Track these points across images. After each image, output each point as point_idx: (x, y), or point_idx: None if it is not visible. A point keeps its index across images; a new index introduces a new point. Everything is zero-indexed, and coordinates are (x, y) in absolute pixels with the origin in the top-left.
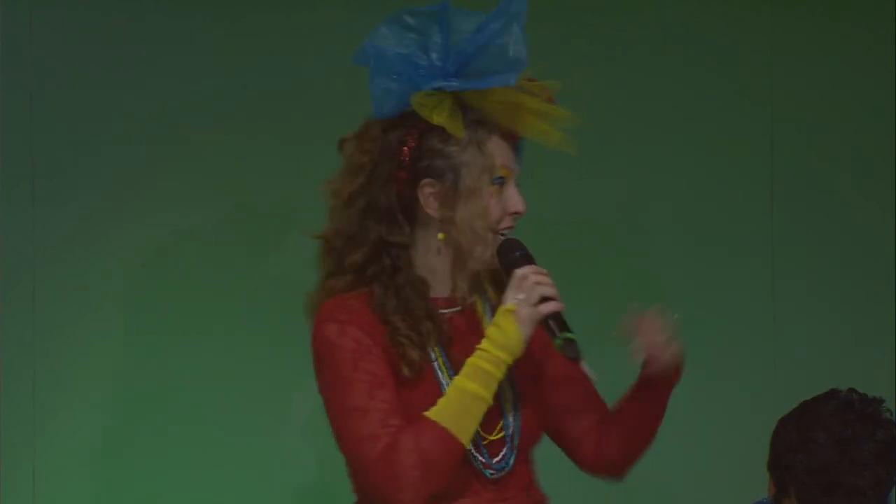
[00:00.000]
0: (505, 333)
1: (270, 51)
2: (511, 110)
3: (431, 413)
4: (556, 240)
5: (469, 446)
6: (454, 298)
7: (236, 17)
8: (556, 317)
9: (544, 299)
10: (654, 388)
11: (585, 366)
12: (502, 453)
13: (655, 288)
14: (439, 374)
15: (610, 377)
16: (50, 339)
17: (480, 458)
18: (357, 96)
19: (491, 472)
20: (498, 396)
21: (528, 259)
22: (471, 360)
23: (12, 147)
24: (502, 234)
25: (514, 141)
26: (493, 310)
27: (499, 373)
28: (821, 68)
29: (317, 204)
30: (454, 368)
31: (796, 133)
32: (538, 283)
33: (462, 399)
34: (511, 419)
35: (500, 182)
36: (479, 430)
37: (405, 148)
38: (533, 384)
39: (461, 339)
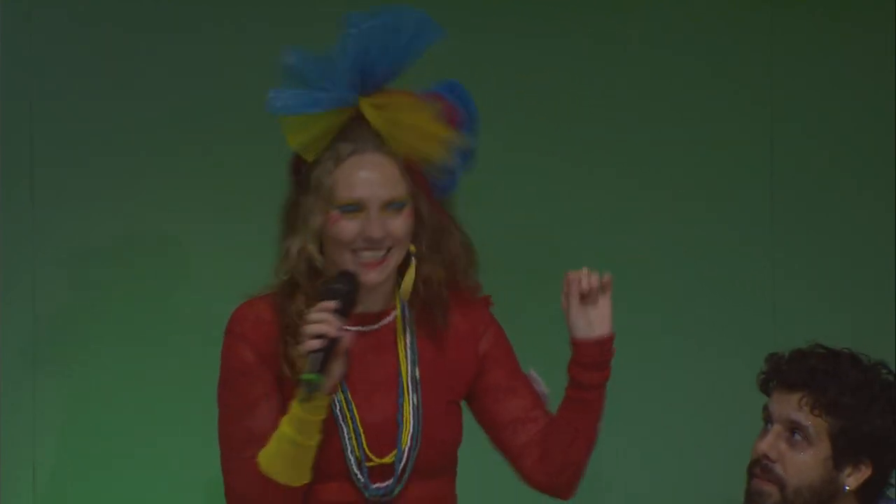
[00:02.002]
0: (295, 374)
1: (272, 55)
2: (406, 131)
3: (261, 455)
4: (553, 234)
5: (300, 482)
6: (367, 315)
7: (236, 17)
8: (317, 355)
9: (315, 336)
10: (583, 389)
11: (538, 378)
12: (388, 481)
13: (656, 285)
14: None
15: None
16: (50, 340)
17: (361, 478)
18: None
19: (370, 493)
20: (397, 426)
21: (331, 293)
22: (292, 404)
23: (12, 147)
24: (365, 259)
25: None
26: (416, 328)
27: (311, 416)
28: (821, 68)
29: None
30: (349, 384)
31: (796, 132)
32: (310, 321)
33: (282, 445)
34: (406, 447)
35: (354, 209)
36: (368, 452)
37: (300, 167)
38: (448, 407)
39: (367, 357)
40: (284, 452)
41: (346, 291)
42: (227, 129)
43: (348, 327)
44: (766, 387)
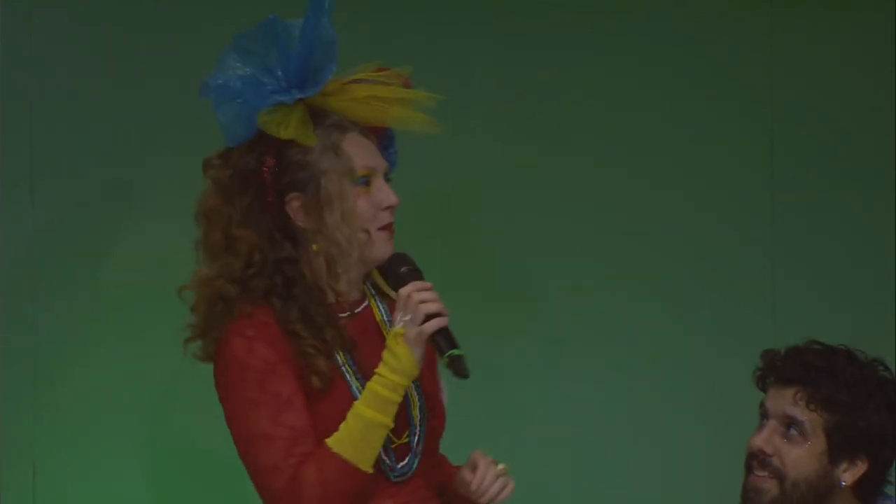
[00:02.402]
0: (397, 357)
1: None
2: (365, 104)
3: (333, 442)
4: (553, 234)
5: (372, 470)
6: (344, 304)
7: (236, 16)
8: (443, 333)
9: (429, 316)
10: None
11: (443, 382)
12: (407, 458)
13: (656, 285)
14: (349, 378)
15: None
16: (50, 342)
17: (387, 461)
18: None
19: (395, 475)
20: (405, 403)
21: (413, 274)
22: (369, 386)
23: (12, 148)
24: (384, 230)
25: (379, 135)
26: (390, 309)
27: (396, 396)
28: (821, 68)
29: None
30: (361, 372)
31: (796, 132)
32: (421, 302)
33: (362, 428)
34: (417, 424)
35: (365, 182)
36: (390, 434)
37: (265, 168)
38: (435, 384)
39: (363, 343)
40: (370, 437)
41: (418, 270)
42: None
43: (340, 314)
44: (762, 383)
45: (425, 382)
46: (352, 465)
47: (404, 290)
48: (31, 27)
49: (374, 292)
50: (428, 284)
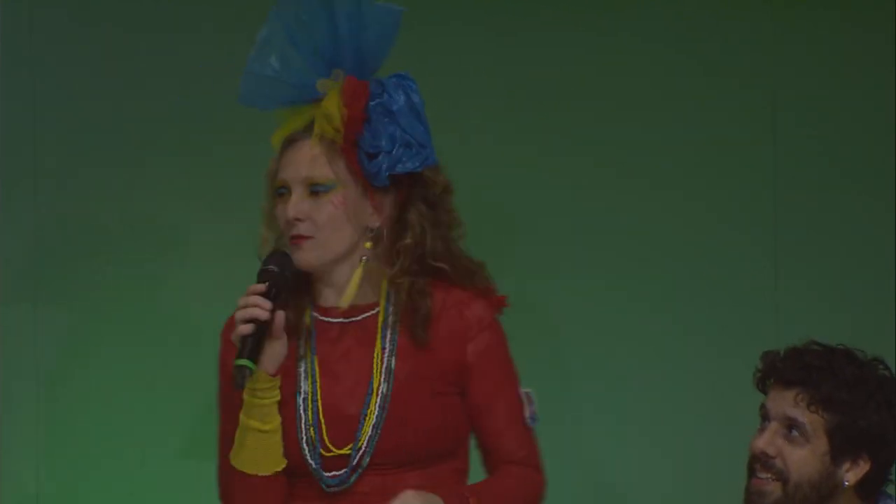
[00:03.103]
0: None
1: None
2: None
3: (231, 450)
4: (556, 234)
5: (268, 470)
6: (354, 308)
7: (237, 17)
8: (247, 340)
9: (245, 321)
10: None
11: (532, 399)
12: (343, 470)
13: (658, 286)
14: (302, 376)
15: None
16: (53, 342)
17: (313, 465)
18: None
19: (325, 484)
20: (358, 415)
21: (262, 275)
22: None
23: (15, 147)
24: (290, 240)
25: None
26: (397, 324)
27: (256, 400)
28: (823, 67)
29: None
30: (322, 373)
31: (799, 132)
32: (240, 307)
33: (240, 434)
34: (366, 439)
35: (282, 192)
36: (327, 441)
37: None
38: (434, 399)
39: (344, 348)
40: (245, 441)
41: (277, 273)
42: (228, 128)
43: (332, 319)
44: (762, 385)
45: (399, 399)
46: (235, 468)
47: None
48: (31, 27)
49: (390, 302)
50: (257, 287)
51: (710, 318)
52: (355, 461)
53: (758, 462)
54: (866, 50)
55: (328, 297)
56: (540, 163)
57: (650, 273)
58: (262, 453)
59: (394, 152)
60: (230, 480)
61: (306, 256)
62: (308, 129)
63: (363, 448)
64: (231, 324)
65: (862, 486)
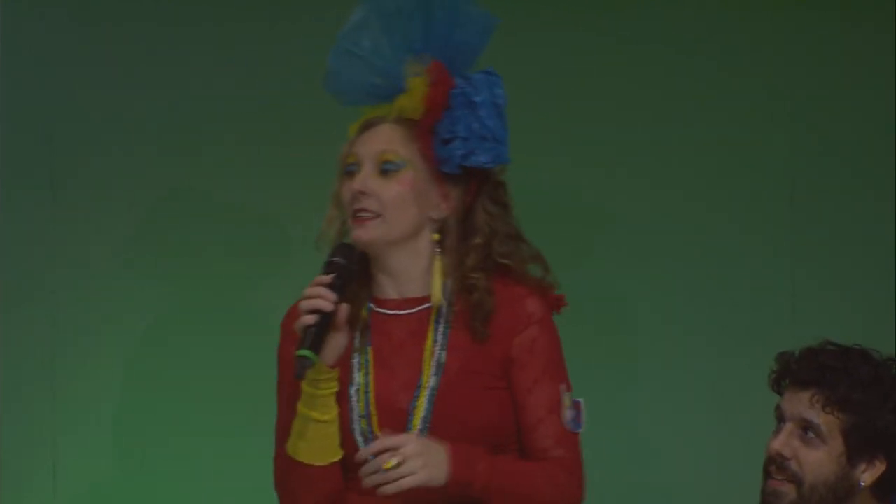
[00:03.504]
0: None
1: (286, 50)
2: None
3: (289, 440)
4: (570, 235)
5: (324, 460)
6: (408, 300)
7: (239, 14)
8: (310, 330)
9: (309, 312)
10: None
11: (579, 407)
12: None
13: (674, 287)
14: (356, 367)
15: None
16: (68, 341)
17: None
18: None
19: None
20: (409, 409)
21: (328, 266)
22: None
23: (30, 150)
24: (351, 218)
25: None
26: (451, 317)
27: (315, 390)
28: (837, 68)
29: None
30: (376, 365)
31: (816, 133)
32: (305, 297)
33: (298, 424)
34: (417, 429)
35: (350, 170)
36: (376, 431)
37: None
38: (484, 393)
39: (398, 340)
40: (303, 431)
41: (343, 265)
42: (241, 129)
43: (387, 311)
44: (777, 386)
45: (449, 393)
46: (292, 459)
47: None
48: (45, 26)
49: (447, 294)
50: (322, 279)
51: (727, 321)
52: None
53: (773, 464)
54: (880, 51)
55: (385, 288)
56: (552, 164)
57: (666, 276)
58: (319, 444)
59: (469, 142)
60: (287, 470)
61: (369, 233)
62: (384, 118)
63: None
64: (292, 314)
65: (878, 487)
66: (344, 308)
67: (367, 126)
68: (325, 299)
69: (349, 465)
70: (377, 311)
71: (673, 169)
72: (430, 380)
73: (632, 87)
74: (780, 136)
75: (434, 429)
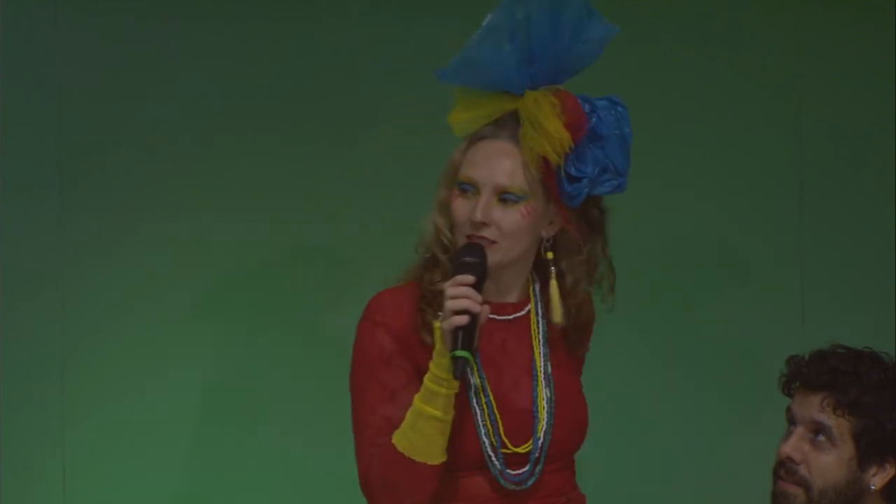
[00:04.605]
0: (437, 351)
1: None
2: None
3: (396, 434)
4: None
5: (437, 460)
6: (504, 306)
7: (262, 17)
8: (462, 331)
9: (457, 312)
10: None
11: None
12: (524, 469)
13: (683, 290)
14: (469, 376)
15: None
16: (78, 339)
17: (497, 464)
18: (380, 103)
19: (507, 482)
20: (532, 413)
21: (462, 267)
22: (423, 380)
23: (41, 149)
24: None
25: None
26: (546, 329)
27: (441, 389)
28: (847, 68)
29: (336, 204)
30: (483, 364)
31: (825, 135)
32: (451, 297)
33: (414, 419)
34: (542, 435)
35: (465, 188)
36: (504, 438)
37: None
38: (579, 398)
39: (500, 345)
40: (421, 429)
41: (478, 263)
42: (253, 129)
43: (499, 315)
44: (787, 389)
45: (561, 400)
46: (404, 455)
47: (446, 284)
48: (54, 28)
49: (537, 299)
50: (466, 279)
51: (736, 325)
52: (534, 461)
53: (783, 467)
54: (891, 51)
55: (488, 292)
56: None
57: (675, 279)
58: (436, 442)
59: (595, 178)
60: (392, 464)
61: (488, 258)
62: (502, 127)
63: (539, 448)
64: (386, 306)
65: (889, 491)
66: (486, 309)
67: (482, 138)
68: (472, 300)
69: (459, 471)
70: None
71: (682, 169)
72: (544, 391)
73: (639, 86)
74: (790, 137)
75: (553, 436)
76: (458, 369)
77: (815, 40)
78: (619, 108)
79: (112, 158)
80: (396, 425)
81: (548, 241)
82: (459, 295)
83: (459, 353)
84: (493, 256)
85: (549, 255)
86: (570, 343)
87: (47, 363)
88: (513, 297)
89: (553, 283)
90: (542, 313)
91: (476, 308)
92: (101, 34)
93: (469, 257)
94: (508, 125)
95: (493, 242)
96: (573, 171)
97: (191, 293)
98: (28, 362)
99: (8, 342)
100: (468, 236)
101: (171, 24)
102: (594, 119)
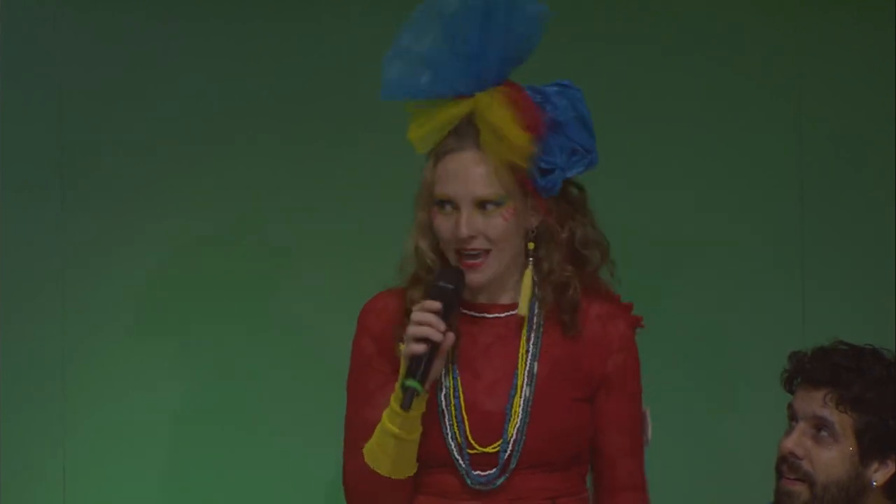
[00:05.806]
0: (399, 371)
1: (302, 53)
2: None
3: (366, 446)
4: None
5: (403, 475)
6: (495, 306)
7: (262, 17)
8: (415, 360)
9: (417, 340)
10: None
11: (648, 422)
12: (490, 471)
13: (683, 293)
14: (442, 372)
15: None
16: (78, 339)
17: (462, 464)
18: (381, 103)
19: (473, 482)
20: (499, 412)
21: (436, 292)
22: (391, 398)
23: (41, 149)
24: (466, 257)
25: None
26: (542, 326)
27: (406, 412)
28: (848, 68)
29: (336, 204)
30: (460, 368)
31: (826, 137)
32: (414, 322)
33: (380, 436)
34: (514, 434)
35: (443, 204)
36: (470, 439)
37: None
38: (573, 403)
39: (484, 345)
40: (385, 446)
41: (451, 290)
42: (256, 128)
43: (473, 313)
44: (790, 385)
45: (540, 402)
46: (369, 468)
47: (414, 307)
48: (54, 28)
49: (535, 302)
50: (433, 305)
51: (736, 327)
52: (503, 461)
53: (785, 463)
54: (891, 51)
55: (476, 293)
56: None
57: (675, 281)
58: (400, 459)
59: (565, 163)
60: (362, 476)
61: (485, 275)
62: (463, 137)
63: (510, 450)
64: (371, 309)
65: (890, 487)
66: (450, 338)
67: (448, 153)
68: (435, 328)
69: (433, 467)
70: (464, 313)
71: (682, 169)
72: (523, 389)
73: (637, 88)
74: (790, 137)
75: (528, 437)
76: (408, 399)
77: (815, 40)
78: (571, 91)
79: (112, 158)
80: (372, 427)
81: (532, 231)
82: (423, 322)
83: (410, 382)
84: (490, 269)
85: (531, 245)
86: (566, 329)
87: (47, 363)
88: (506, 298)
89: (527, 273)
90: (538, 312)
91: (437, 337)
92: (101, 34)
93: (443, 282)
94: (469, 133)
95: (487, 251)
96: (543, 165)
97: (191, 293)
98: (28, 362)
99: (8, 342)
100: (457, 251)
101: (171, 24)
102: (548, 108)
